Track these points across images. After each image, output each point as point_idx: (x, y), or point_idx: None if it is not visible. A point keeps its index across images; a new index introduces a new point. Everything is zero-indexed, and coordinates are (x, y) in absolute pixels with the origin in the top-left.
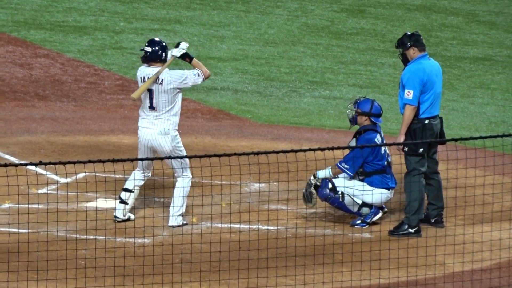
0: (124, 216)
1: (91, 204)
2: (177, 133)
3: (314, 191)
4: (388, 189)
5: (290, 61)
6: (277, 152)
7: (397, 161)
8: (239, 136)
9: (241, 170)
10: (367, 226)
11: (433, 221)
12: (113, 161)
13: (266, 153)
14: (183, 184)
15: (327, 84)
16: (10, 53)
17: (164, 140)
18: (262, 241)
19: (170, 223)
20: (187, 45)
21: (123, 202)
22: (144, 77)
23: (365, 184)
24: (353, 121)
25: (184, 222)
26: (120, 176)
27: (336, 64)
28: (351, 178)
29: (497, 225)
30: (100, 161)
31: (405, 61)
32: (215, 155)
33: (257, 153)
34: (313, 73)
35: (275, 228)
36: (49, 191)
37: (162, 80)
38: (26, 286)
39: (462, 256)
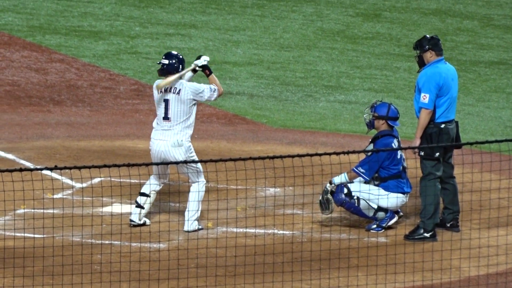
0: (140, 220)
1: (107, 209)
2: (190, 144)
3: (331, 197)
4: (403, 193)
5: (305, 65)
6: (293, 157)
7: (413, 165)
8: (255, 140)
9: (257, 175)
10: (383, 230)
11: (448, 225)
12: (128, 165)
13: (281, 157)
14: (198, 189)
15: (343, 89)
16: (26, 58)
17: (178, 152)
18: (277, 245)
19: (185, 228)
20: (208, 59)
21: (139, 206)
22: (160, 89)
23: (380, 188)
24: (370, 125)
25: (200, 226)
26: (135, 181)
27: (352, 68)
28: (367, 182)
29: None
30: (115, 165)
31: (421, 63)
32: (231, 160)
33: (273, 157)
34: (328, 78)
35: (291, 232)
36: (64, 196)
37: (179, 90)
38: None
39: (478, 260)
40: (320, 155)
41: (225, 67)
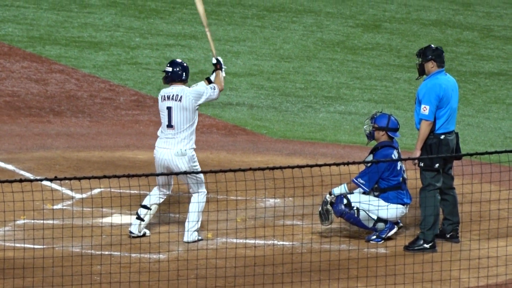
0: (140, 232)
1: (106, 220)
2: (193, 153)
3: (330, 208)
4: (403, 204)
5: (305, 76)
6: (293, 167)
7: (413, 176)
8: (255, 151)
9: (256, 186)
10: (382, 241)
11: (448, 236)
12: (128, 176)
13: (281, 168)
14: (198, 200)
15: (343, 100)
16: (26, 68)
17: (182, 161)
18: (277, 256)
19: (185, 239)
20: (224, 67)
21: (139, 218)
22: (163, 96)
23: (380, 199)
24: (371, 136)
25: (199, 237)
26: (135, 191)
27: (352, 79)
28: (366, 193)
29: None
30: (115, 176)
31: (421, 71)
32: (231, 170)
33: (273, 168)
34: (328, 88)
35: (290, 243)
36: (64, 207)
37: (181, 97)
38: None
39: (477, 271)
40: (320, 166)
41: (225, 78)
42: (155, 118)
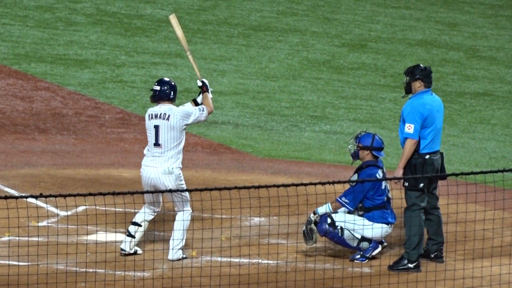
0: (131, 249)
1: (91, 237)
2: (180, 171)
3: (314, 228)
4: (387, 224)
5: (290, 95)
6: (278, 186)
7: (397, 196)
8: (240, 170)
9: (242, 204)
10: (367, 260)
11: (432, 256)
12: (113, 193)
13: (266, 187)
14: (183, 218)
15: (328, 119)
16: (11, 86)
17: (168, 179)
18: (262, 275)
19: (170, 257)
20: (211, 89)
21: (130, 235)
22: (151, 114)
23: (365, 219)
24: (355, 156)
25: (184, 255)
26: (120, 209)
27: (337, 98)
28: (350, 212)
29: (497, 260)
30: (100, 194)
31: (408, 90)
32: (216, 189)
33: (258, 187)
34: (313, 108)
35: (275, 262)
36: (49, 224)
37: (168, 116)
38: None
39: None
40: (305, 185)
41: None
42: (140, 136)
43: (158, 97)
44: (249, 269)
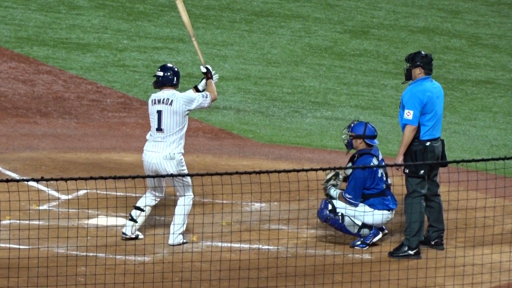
0: (133, 233)
1: (92, 221)
2: (182, 157)
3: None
4: (388, 210)
5: (292, 81)
6: (279, 172)
7: (398, 183)
8: (241, 155)
9: (242, 189)
10: (367, 247)
11: (433, 243)
12: (114, 178)
13: (268, 172)
14: (184, 203)
15: (329, 105)
16: (13, 69)
17: (170, 164)
18: (262, 260)
19: (170, 241)
20: (217, 76)
21: (132, 219)
22: (154, 100)
23: (365, 205)
24: (349, 145)
25: (185, 240)
26: (121, 193)
27: (339, 85)
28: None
29: (498, 248)
30: (101, 178)
31: (408, 76)
32: (217, 174)
33: (259, 172)
34: (315, 94)
35: (276, 248)
36: (50, 208)
37: (171, 101)
38: None
39: (462, 278)
40: (306, 170)
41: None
42: (142, 121)
43: (161, 83)
44: (250, 255)
